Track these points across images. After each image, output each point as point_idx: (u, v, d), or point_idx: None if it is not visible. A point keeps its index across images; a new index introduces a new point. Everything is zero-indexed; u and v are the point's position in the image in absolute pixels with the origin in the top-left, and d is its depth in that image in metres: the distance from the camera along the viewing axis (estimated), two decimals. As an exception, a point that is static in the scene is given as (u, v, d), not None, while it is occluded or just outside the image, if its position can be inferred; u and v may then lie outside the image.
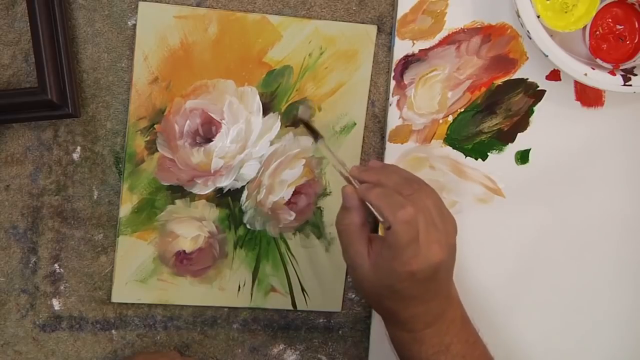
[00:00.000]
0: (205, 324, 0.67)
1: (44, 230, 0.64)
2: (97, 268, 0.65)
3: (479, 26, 0.66)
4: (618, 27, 0.65)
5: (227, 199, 0.66)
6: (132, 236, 0.65)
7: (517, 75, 0.67)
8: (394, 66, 0.66)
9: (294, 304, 0.67)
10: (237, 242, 0.66)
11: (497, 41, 0.66)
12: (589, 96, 0.68)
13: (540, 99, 0.67)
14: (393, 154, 0.66)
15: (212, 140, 0.64)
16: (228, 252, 0.66)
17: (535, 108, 0.67)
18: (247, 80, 0.64)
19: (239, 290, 0.67)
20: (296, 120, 0.64)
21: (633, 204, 0.69)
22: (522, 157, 0.68)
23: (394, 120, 0.66)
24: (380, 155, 0.67)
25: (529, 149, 0.68)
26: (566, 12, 0.63)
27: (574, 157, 0.68)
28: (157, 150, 0.64)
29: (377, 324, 0.67)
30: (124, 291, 0.65)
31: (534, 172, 0.68)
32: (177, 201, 0.65)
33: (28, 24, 0.61)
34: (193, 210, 0.65)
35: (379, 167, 0.58)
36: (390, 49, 0.66)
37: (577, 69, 0.62)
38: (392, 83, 0.66)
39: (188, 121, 0.64)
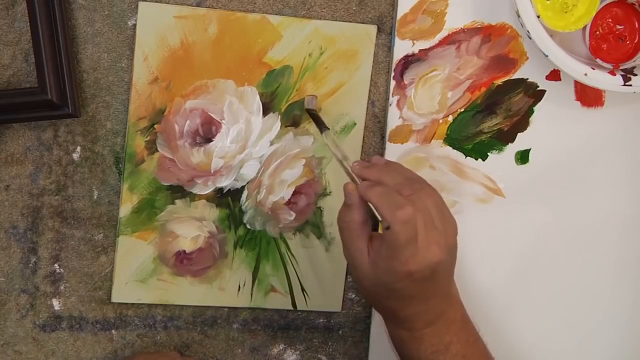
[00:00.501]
0: (205, 324, 0.67)
1: (44, 230, 0.64)
2: (97, 268, 0.65)
3: (479, 26, 0.66)
4: (618, 27, 0.65)
5: (227, 199, 0.66)
6: (132, 236, 0.65)
7: (517, 75, 0.67)
8: (394, 66, 0.66)
9: (294, 304, 0.67)
10: (237, 242, 0.66)
11: (497, 41, 0.66)
12: (589, 96, 0.68)
13: (540, 99, 0.67)
14: (393, 154, 0.66)
15: (212, 140, 0.64)
16: (228, 252, 0.66)
17: (535, 108, 0.67)
18: (247, 80, 0.64)
19: (239, 290, 0.67)
20: (304, 109, 0.64)
21: (633, 204, 0.69)
22: (522, 157, 0.68)
23: (394, 120, 0.66)
24: (380, 156, 0.67)
25: (529, 149, 0.68)
26: (566, 12, 0.63)
27: (574, 157, 0.68)
28: (157, 150, 0.64)
29: (377, 324, 0.67)
30: (124, 291, 0.65)
31: (534, 172, 0.68)
32: (177, 201, 0.65)
33: (28, 24, 0.61)
34: (193, 210, 0.65)
35: (381, 164, 0.58)
36: (390, 49, 0.66)
37: (577, 69, 0.62)
38: (392, 83, 0.66)
39: (188, 121, 0.64)
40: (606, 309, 0.70)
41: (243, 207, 0.66)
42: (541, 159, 0.68)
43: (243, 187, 0.66)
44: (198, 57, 0.64)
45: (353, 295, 0.68)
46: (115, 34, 0.63)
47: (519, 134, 0.67)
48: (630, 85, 0.62)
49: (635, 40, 0.66)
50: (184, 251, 0.66)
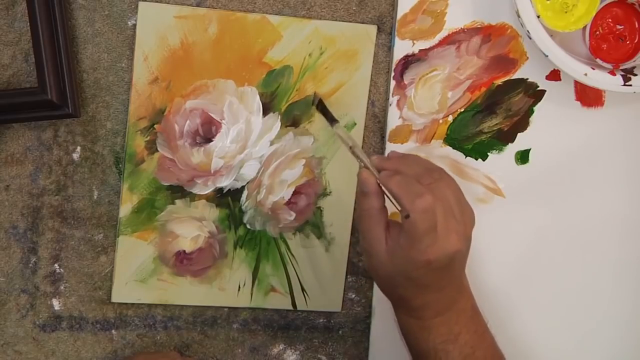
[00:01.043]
0: (205, 324, 0.67)
1: (44, 230, 0.64)
2: (97, 268, 0.65)
3: (479, 26, 0.66)
4: (618, 27, 0.65)
5: (227, 199, 0.66)
6: (132, 236, 0.65)
7: (517, 75, 0.67)
8: (394, 66, 0.66)
9: (294, 304, 0.67)
10: (237, 242, 0.66)
11: (497, 41, 0.66)
12: (589, 96, 0.68)
13: (540, 99, 0.67)
14: (393, 154, 0.66)
15: (212, 140, 0.64)
16: (228, 252, 0.66)
17: (535, 108, 0.67)
18: (247, 80, 0.64)
19: (239, 290, 0.66)
20: (313, 101, 0.64)
21: (633, 204, 0.69)
22: (522, 157, 0.68)
23: (394, 120, 0.66)
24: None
25: (529, 149, 0.68)
26: (566, 12, 0.63)
27: (574, 157, 0.68)
28: (157, 150, 0.64)
29: (377, 324, 0.67)
30: (124, 291, 0.65)
31: (534, 172, 0.68)
32: (177, 201, 0.65)
33: (28, 24, 0.61)
34: (193, 210, 0.65)
35: (399, 156, 0.59)
36: (390, 49, 0.66)
37: (577, 69, 0.62)
38: (392, 83, 0.66)
39: (188, 121, 0.64)
40: (606, 309, 0.70)
41: (243, 207, 0.66)
42: (541, 159, 0.68)
43: (243, 187, 0.66)
44: (198, 57, 0.64)
45: (353, 295, 0.68)
46: (115, 34, 0.63)
47: (519, 134, 0.67)
48: (630, 85, 0.62)
49: (635, 40, 0.66)
50: (184, 251, 0.66)
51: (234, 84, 0.64)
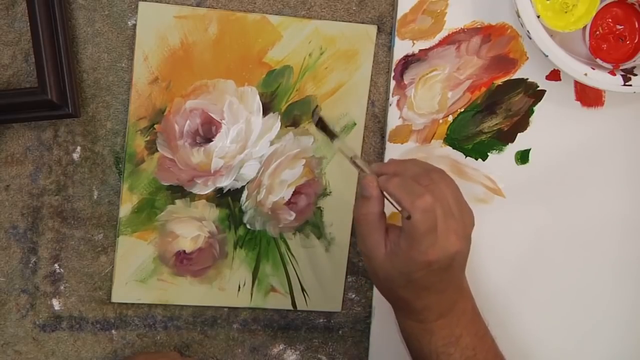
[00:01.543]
0: (205, 324, 0.67)
1: (44, 230, 0.64)
2: (97, 268, 0.65)
3: (479, 26, 0.66)
4: (618, 27, 0.65)
5: (227, 199, 0.66)
6: (132, 236, 0.65)
7: (517, 75, 0.67)
8: (394, 66, 0.66)
9: (294, 304, 0.67)
10: (237, 242, 0.66)
11: (497, 41, 0.66)
12: (589, 96, 0.68)
13: (540, 99, 0.67)
14: (393, 154, 0.66)
15: (212, 140, 0.64)
16: (228, 252, 0.66)
17: (535, 108, 0.67)
18: (247, 80, 0.64)
19: (239, 290, 0.66)
20: (313, 117, 0.64)
21: (633, 204, 0.69)
22: (522, 157, 0.68)
23: (394, 120, 0.66)
24: (380, 156, 0.67)
25: (529, 149, 0.68)
26: (566, 12, 0.63)
27: (574, 157, 0.68)
28: (157, 150, 0.64)
29: (377, 324, 0.67)
30: (124, 291, 0.65)
31: (534, 172, 0.68)
32: (177, 201, 0.65)
33: (28, 24, 0.61)
34: (193, 210, 0.65)
35: (397, 160, 0.59)
36: (390, 49, 0.66)
37: (577, 69, 0.62)
38: (392, 83, 0.66)
39: (188, 121, 0.64)
40: (606, 309, 0.70)
41: (243, 207, 0.66)
42: (541, 159, 0.68)
43: (243, 187, 0.66)
44: (198, 57, 0.64)
45: (353, 295, 0.68)
46: (115, 34, 0.63)
47: (519, 134, 0.67)
48: (630, 85, 0.62)
49: (635, 40, 0.66)
50: (184, 251, 0.66)
51: (234, 84, 0.64)
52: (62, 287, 0.65)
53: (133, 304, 0.66)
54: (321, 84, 0.65)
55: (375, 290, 0.67)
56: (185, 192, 0.65)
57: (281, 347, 0.68)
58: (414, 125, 0.66)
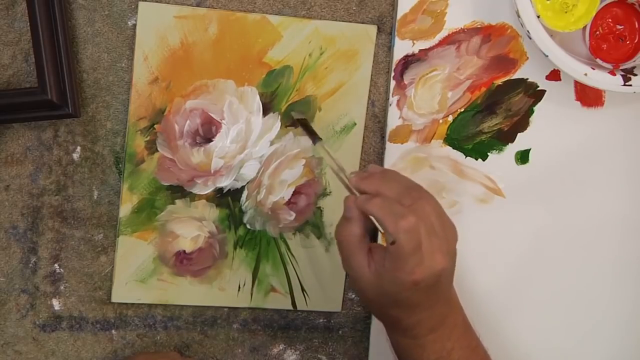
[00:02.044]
0: (205, 324, 0.67)
1: (44, 230, 0.64)
2: (97, 268, 0.65)
3: (479, 26, 0.66)
4: (618, 27, 0.65)
5: (227, 199, 0.66)
6: (132, 236, 0.65)
7: (517, 75, 0.67)
8: (394, 66, 0.66)
9: (294, 304, 0.67)
10: (237, 242, 0.66)
11: (497, 41, 0.66)
12: (589, 96, 0.68)
13: (540, 99, 0.67)
14: (393, 154, 0.66)
15: (212, 140, 0.64)
16: (228, 252, 0.66)
17: (535, 108, 0.67)
18: (247, 80, 0.64)
19: (239, 290, 0.66)
20: (294, 121, 0.64)
21: (633, 204, 0.69)
22: (522, 157, 0.68)
23: (394, 120, 0.66)
24: (380, 156, 0.67)
25: (529, 149, 0.68)
26: (566, 12, 0.63)
27: (574, 157, 0.68)
28: (157, 150, 0.64)
29: (377, 324, 0.67)
30: (124, 291, 0.65)
31: (534, 172, 0.68)
32: (177, 201, 0.65)
33: (28, 24, 0.61)
34: (193, 210, 0.65)
35: (378, 173, 0.57)
36: (390, 49, 0.66)
37: (577, 69, 0.62)
38: (392, 83, 0.66)
39: (188, 121, 0.64)
40: (606, 309, 0.70)
41: (243, 207, 0.66)
42: (541, 159, 0.68)
43: (243, 187, 0.66)
44: (198, 57, 0.64)
45: (353, 295, 0.68)
46: (115, 34, 0.63)
47: (519, 134, 0.67)
48: (630, 85, 0.62)
49: (635, 40, 0.66)
50: (184, 251, 0.66)
51: (234, 84, 0.64)
52: (62, 287, 0.65)
53: (133, 304, 0.66)
54: (321, 84, 0.65)
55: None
56: (185, 192, 0.65)
57: (281, 347, 0.68)
58: (414, 125, 0.66)
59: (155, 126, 0.64)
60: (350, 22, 0.65)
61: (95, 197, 0.65)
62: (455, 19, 0.66)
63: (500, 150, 0.67)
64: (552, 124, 0.67)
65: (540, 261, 0.69)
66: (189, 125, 0.64)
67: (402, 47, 0.66)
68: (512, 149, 0.67)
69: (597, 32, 0.65)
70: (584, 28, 0.65)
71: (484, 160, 0.67)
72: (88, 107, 0.64)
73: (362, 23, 0.65)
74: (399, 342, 0.58)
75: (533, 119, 0.67)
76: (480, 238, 0.67)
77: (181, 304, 0.66)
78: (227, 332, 0.67)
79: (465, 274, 0.67)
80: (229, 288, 0.66)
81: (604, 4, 0.64)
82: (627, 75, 0.62)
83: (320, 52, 0.65)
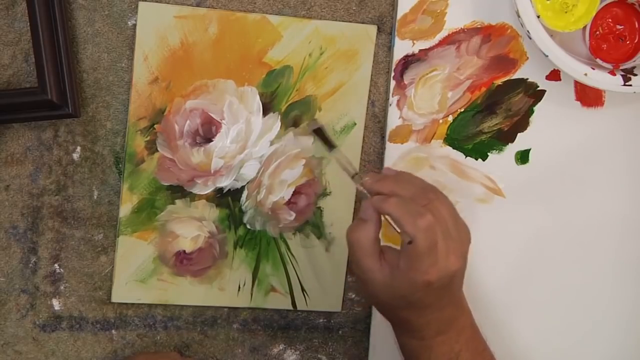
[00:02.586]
0: (205, 324, 0.67)
1: (44, 230, 0.64)
2: (97, 268, 0.65)
3: (479, 26, 0.66)
4: (618, 27, 0.65)
5: (227, 199, 0.66)
6: (132, 236, 0.65)
7: (517, 75, 0.67)
8: (394, 66, 0.66)
9: (294, 304, 0.67)
10: (237, 242, 0.66)
11: (497, 41, 0.66)
12: (589, 96, 0.68)
13: (540, 99, 0.67)
14: (393, 154, 0.66)
15: (212, 140, 0.64)
16: (228, 252, 0.66)
17: (535, 108, 0.67)
18: (247, 80, 0.64)
19: (239, 290, 0.67)
20: (309, 127, 0.63)
21: (633, 204, 0.69)
22: (522, 157, 0.68)
23: (394, 120, 0.66)
24: (380, 156, 0.67)
25: (529, 149, 0.68)
26: (566, 12, 0.63)
27: (574, 157, 0.68)
28: (157, 150, 0.64)
29: (377, 324, 0.67)
30: (124, 291, 0.65)
31: (534, 172, 0.68)
32: (177, 201, 0.65)
33: (28, 24, 0.61)
34: (193, 210, 0.65)
35: (392, 175, 0.58)
36: (390, 49, 0.66)
37: (577, 69, 0.62)
38: (392, 83, 0.66)
39: (188, 121, 0.64)
40: (606, 309, 0.70)
41: (243, 207, 0.66)
42: (541, 159, 0.68)
43: (243, 187, 0.66)
44: (198, 57, 0.64)
45: (353, 295, 0.68)
46: (115, 34, 0.63)
47: (519, 134, 0.67)
48: (630, 85, 0.62)
49: (635, 40, 0.66)
50: (184, 251, 0.66)
51: (234, 84, 0.64)
52: (62, 287, 0.65)
53: (133, 304, 0.66)
54: (321, 84, 0.65)
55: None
56: (185, 192, 0.65)
57: (281, 347, 0.68)
58: (414, 125, 0.66)
59: (155, 126, 0.64)
60: (350, 22, 0.65)
61: (95, 197, 0.65)
62: (455, 19, 0.66)
63: (500, 150, 0.67)
64: (552, 124, 0.67)
65: (540, 261, 0.69)
66: (189, 125, 0.64)
67: (402, 47, 0.66)
68: (512, 149, 0.67)
69: (597, 32, 0.65)
70: (584, 28, 0.65)
71: (484, 160, 0.67)
72: (88, 107, 0.64)
73: (362, 23, 0.65)
74: (407, 344, 0.58)
75: (533, 119, 0.67)
76: (480, 238, 0.67)
77: (181, 304, 0.66)
78: (227, 332, 0.67)
79: (465, 274, 0.67)
80: (229, 288, 0.66)
81: (604, 4, 0.64)
82: (627, 75, 0.62)
83: (320, 52, 0.65)
